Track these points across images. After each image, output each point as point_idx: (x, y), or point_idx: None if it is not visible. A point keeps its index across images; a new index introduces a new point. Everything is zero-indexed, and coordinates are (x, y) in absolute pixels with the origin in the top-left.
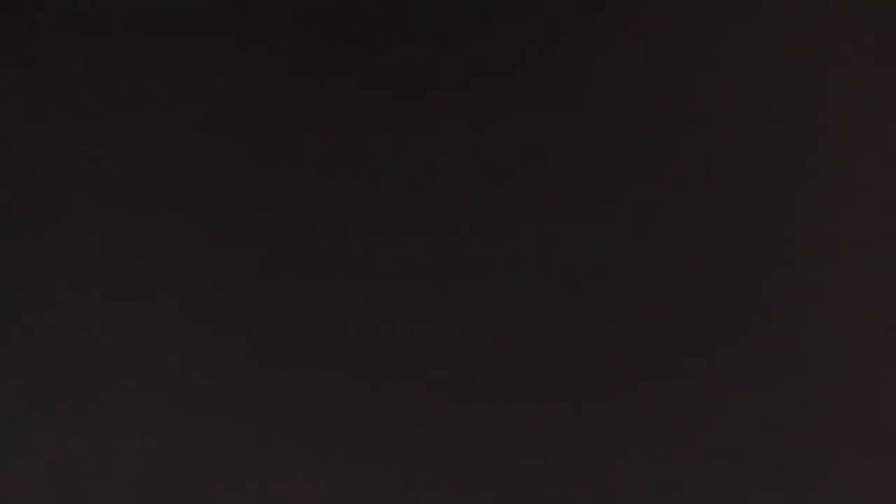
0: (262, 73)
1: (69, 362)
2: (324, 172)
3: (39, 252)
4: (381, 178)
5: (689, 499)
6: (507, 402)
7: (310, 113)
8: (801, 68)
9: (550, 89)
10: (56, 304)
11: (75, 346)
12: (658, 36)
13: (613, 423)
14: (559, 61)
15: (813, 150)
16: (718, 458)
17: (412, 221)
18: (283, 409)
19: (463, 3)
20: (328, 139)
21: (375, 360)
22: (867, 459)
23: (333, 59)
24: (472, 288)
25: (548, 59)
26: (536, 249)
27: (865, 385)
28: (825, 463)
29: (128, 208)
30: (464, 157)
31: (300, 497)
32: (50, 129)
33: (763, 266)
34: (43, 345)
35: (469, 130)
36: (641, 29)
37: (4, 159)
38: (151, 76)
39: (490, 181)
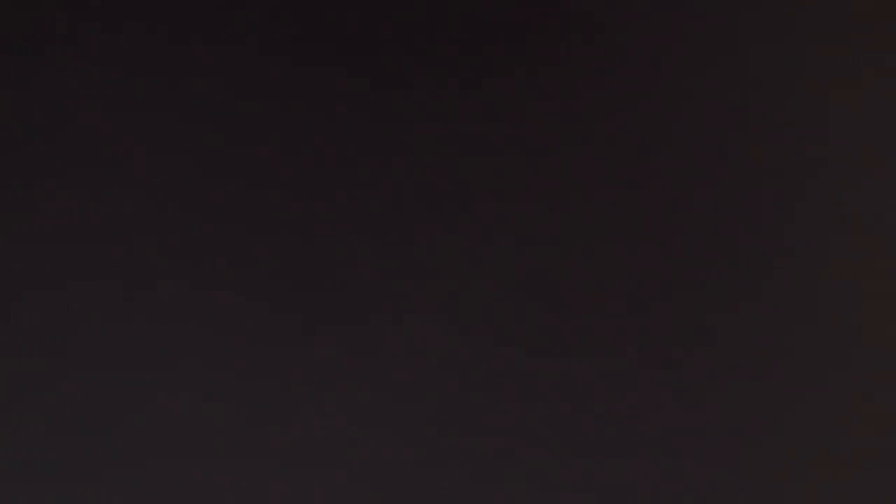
0: (262, 71)
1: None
2: (326, 171)
3: (39, 250)
4: (380, 175)
5: (694, 496)
6: (507, 401)
7: (307, 106)
8: (802, 67)
9: (553, 86)
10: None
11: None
12: (660, 35)
13: (614, 422)
14: (559, 60)
15: (813, 148)
16: (719, 456)
17: (411, 218)
18: (281, 410)
19: (462, 2)
20: (328, 133)
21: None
22: (867, 460)
23: (333, 58)
24: (472, 284)
25: (547, 57)
26: (538, 248)
27: (865, 385)
28: (825, 463)
29: (126, 203)
30: (465, 155)
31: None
32: (48, 129)
33: (763, 265)
34: (42, 342)
35: (470, 127)
36: (642, 28)
37: (4, 159)
38: (149, 75)
39: (491, 180)
